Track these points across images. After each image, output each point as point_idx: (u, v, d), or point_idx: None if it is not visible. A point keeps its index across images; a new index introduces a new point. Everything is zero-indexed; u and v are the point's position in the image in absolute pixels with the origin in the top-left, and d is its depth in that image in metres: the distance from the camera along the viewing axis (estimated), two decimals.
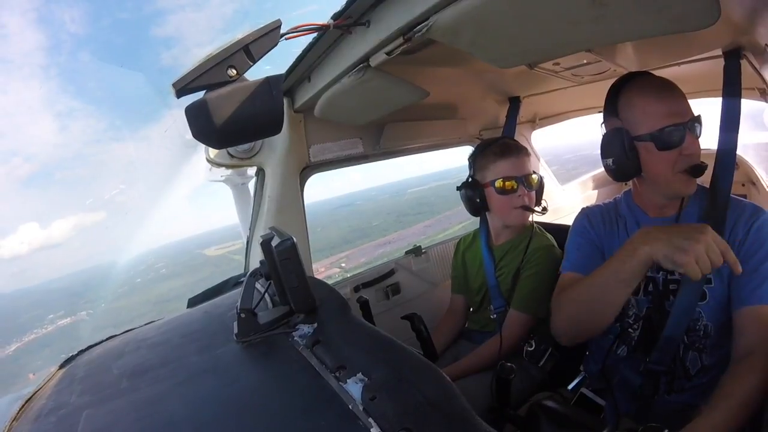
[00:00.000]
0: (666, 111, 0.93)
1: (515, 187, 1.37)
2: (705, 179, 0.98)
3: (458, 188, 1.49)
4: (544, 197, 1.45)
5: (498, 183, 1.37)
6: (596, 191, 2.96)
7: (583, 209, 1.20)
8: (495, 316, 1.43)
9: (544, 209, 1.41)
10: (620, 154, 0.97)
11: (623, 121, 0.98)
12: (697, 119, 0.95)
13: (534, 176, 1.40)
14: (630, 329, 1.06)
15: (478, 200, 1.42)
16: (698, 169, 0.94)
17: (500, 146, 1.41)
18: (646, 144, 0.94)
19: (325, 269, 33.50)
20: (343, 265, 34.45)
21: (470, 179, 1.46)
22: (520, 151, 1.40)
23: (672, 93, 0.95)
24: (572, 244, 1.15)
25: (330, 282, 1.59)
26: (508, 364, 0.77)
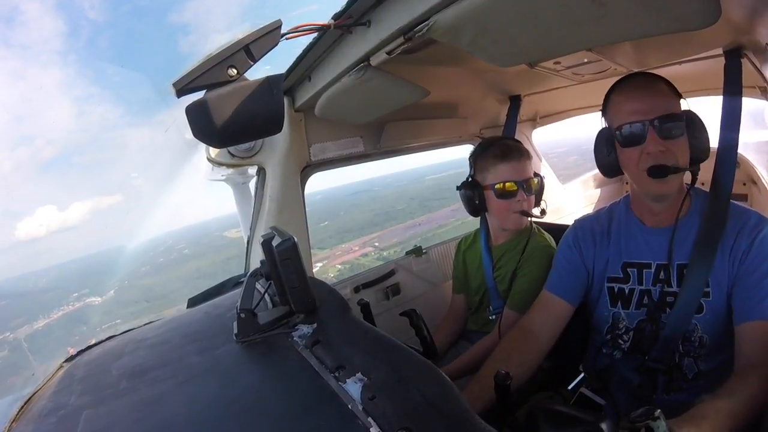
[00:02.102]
0: (629, 108, 0.93)
1: (515, 191, 1.35)
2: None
3: (458, 188, 1.47)
4: (544, 197, 1.44)
5: (498, 186, 1.35)
6: (598, 190, 2.95)
7: (574, 223, 1.20)
8: (494, 317, 1.43)
9: (543, 212, 1.40)
10: (600, 152, 1.01)
11: (606, 119, 1.01)
12: (670, 117, 0.90)
13: (534, 180, 1.38)
14: (620, 340, 1.06)
15: (477, 201, 1.41)
16: (655, 170, 0.90)
17: (502, 148, 1.38)
18: (617, 141, 0.97)
19: (359, 248, 35.41)
20: (376, 244, 35.86)
21: (470, 179, 1.44)
22: (522, 155, 1.38)
23: (645, 91, 0.93)
24: (556, 262, 1.19)
25: (330, 282, 1.59)
26: (503, 371, 0.77)
